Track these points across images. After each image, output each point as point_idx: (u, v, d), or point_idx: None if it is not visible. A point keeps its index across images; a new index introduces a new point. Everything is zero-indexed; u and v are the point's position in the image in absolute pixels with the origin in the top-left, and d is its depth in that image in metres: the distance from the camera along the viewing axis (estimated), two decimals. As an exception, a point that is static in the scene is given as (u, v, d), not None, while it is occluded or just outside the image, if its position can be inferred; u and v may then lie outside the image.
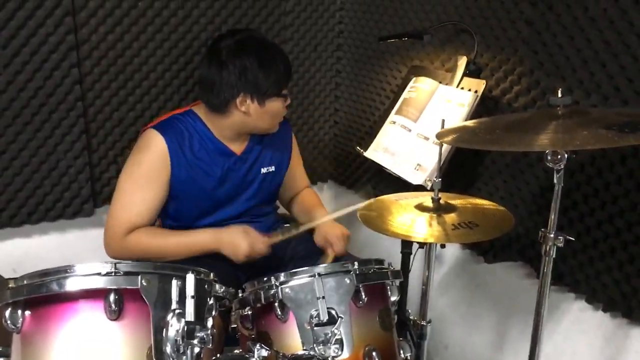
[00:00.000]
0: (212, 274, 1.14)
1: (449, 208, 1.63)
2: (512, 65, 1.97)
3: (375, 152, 2.23)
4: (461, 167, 2.10)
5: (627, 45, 1.62)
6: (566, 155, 1.28)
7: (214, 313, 1.09)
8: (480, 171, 2.11)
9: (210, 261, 1.89)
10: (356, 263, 1.20)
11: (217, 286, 1.12)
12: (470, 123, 1.54)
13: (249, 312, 1.23)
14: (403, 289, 2.17)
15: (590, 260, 1.79)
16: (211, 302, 1.08)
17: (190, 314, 0.98)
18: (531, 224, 1.96)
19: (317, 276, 1.15)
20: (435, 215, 1.59)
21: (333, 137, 2.84)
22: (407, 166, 2.06)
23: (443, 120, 1.60)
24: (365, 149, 2.30)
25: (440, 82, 2.13)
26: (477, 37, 2.03)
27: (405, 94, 2.24)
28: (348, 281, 1.16)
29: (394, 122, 2.21)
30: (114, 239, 1.82)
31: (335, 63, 2.74)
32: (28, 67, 2.06)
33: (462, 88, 2.04)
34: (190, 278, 1.01)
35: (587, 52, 1.73)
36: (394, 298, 1.30)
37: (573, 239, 1.37)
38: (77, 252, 2.36)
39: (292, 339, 1.16)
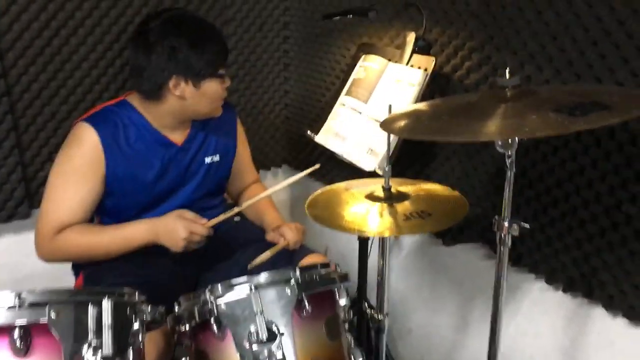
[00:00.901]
0: (137, 294, 1.03)
1: (401, 196, 1.55)
2: (462, 40, 1.88)
3: (326, 137, 2.13)
4: (413, 150, 2.02)
5: (578, 16, 1.55)
6: (517, 140, 1.20)
7: (140, 338, 0.98)
8: (433, 153, 2.04)
9: (151, 259, 1.79)
10: (297, 270, 1.10)
11: (144, 307, 1.01)
12: (418, 106, 1.45)
13: (186, 329, 1.13)
14: (362, 277, 2.12)
15: (549, 240, 1.73)
16: (136, 326, 0.97)
17: (108, 346, 0.88)
18: (488, 204, 1.89)
19: (253, 290, 1.05)
20: (386, 205, 1.51)
21: (285, 120, 2.73)
22: (358, 151, 1.97)
23: (390, 106, 1.51)
24: (316, 133, 2.20)
25: (389, 60, 2.03)
26: (425, 12, 1.93)
27: (354, 74, 2.14)
28: (289, 292, 1.07)
29: (344, 104, 2.11)
30: (43, 240, 1.71)
31: (282, 43, 2.61)
32: (-57, 63, 1.89)
33: (412, 66, 1.95)
34: (106, 305, 0.90)
35: (537, 24, 1.65)
36: (343, 302, 1.21)
37: (527, 226, 1.30)
38: (15, 257, 2.23)
39: (231, 358, 1.07)
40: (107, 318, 0.89)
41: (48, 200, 1.71)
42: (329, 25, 2.38)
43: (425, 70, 1.87)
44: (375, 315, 1.66)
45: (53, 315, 0.87)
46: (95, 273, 1.79)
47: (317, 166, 1.75)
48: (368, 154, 1.93)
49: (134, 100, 1.78)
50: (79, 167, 1.69)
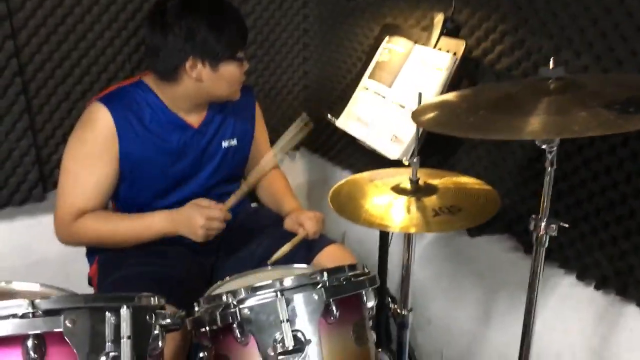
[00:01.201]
0: (156, 299, 0.97)
1: (429, 189, 1.48)
2: (493, 22, 1.78)
3: (347, 122, 2.06)
4: (437, 138, 1.93)
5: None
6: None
7: (160, 344, 0.93)
8: (459, 140, 1.96)
9: (167, 247, 1.74)
10: (325, 274, 1.04)
11: (164, 311, 0.96)
12: (450, 97, 1.37)
13: (207, 330, 1.08)
14: (382, 269, 2.06)
15: (582, 236, 1.66)
16: (156, 331, 0.92)
17: (126, 356, 0.82)
18: (517, 198, 1.82)
19: (279, 295, 0.99)
20: (413, 198, 1.44)
21: (303, 101, 2.65)
22: (382, 137, 1.89)
23: (420, 95, 1.43)
24: (337, 118, 2.12)
25: (415, 42, 1.94)
26: (455, -9, 1.84)
27: (378, 56, 2.05)
28: (317, 297, 1.01)
29: (367, 88, 2.03)
30: (62, 225, 1.67)
31: (302, 21, 2.52)
32: (-46, 41, 1.83)
33: (440, 49, 1.86)
34: (124, 313, 0.85)
35: (576, 7, 1.56)
36: (370, 304, 1.15)
37: (566, 226, 1.23)
38: (29, 241, 2.19)
39: (256, 367, 1.02)
40: (125, 327, 0.84)
41: (63, 185, 1.66)
42: (350, 4, 2.29)
43: (455, 54, 1.78)
44: (399, 311, 1.60)
45: (69, 323, 0.81)
46: (110, 260, 1.74)
47: (305, 119, 1.73)
48: (392, 141, 1.85)
49: (150, 80, 1.71)
50: (92, 150, 1.64)
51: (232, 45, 1.64)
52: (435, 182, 1.52)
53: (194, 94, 1.69)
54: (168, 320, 0.96)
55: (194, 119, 1.76)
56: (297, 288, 1.02)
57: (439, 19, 1.88)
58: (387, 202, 1.44)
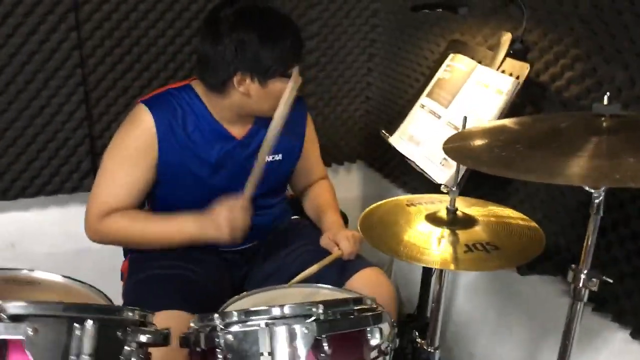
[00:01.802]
0: (136, 313, 0.92)
1: (467, 222, 1.36)
2: (565, 46, 1.63)
3: (400, 140, 1.96)
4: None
5: None
6: (608, 181, 0.98)
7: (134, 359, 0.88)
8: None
9: (199, 253, 1.71)
10: (321, 306, 0.95)
11: (144, 328, 0.90)
12: (496, 124, 1.25)
13: (194, 350, 1.02)
14: (422, 303, 1.95)
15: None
16: (129, 348, 0.87)
17: (86, 377, 0.78)
18: (573, 237, 1.65)
19: (262, 325, 0.92)
20: (447, 230, 1.33)
21: (364, 113, 2.57)
22: (432, 160, 1.78)
23: (465, 118, 1.32)
24: (391, 134, 2.03)
25: (479, 62, 1.82)
26: (526, 11, 1.70)
27: (439, 73, 1.95)
28: (306, 331, 0.93)
29: (423, 106, 1.92)
30: (91, 221, 1.66)
31: (369, 31, 2.44)
32: (21, 29, 1.89)
33: (504, 71, 1.73)
34: (90, 328, 0.80)
35: (658, 36, 1.39)
36: (374, 342, 1.06)
37: (610, 281, 1.08)
38: (78, 229, 2.23)
39: (233, 395, 0.95)
40: (87, 344, 0.80)
41: (98, 182, 1.66)
42: (419, 17, 2.18)
43: (518, 78, 1.65)
44: (425, 347, 1.49)
45: (30, 332, 0.78)
46: (140, 259, 1.73)
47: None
48: (442, 164, 1.74)
49: (198, 86, 1.68)
50: (131, 151, 1.62)
51: (284, 62, 1.57)
52: (476, 214, 1.41)
53: (240, 108, 1.64)
54: (149, 336, 0.91)
55: (238, 131, 1.71)
56: (286, 319, 0.95)
57: (505, 38, 1.76)
58: (419, 232, 1.34)
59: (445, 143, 1.17)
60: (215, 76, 1.58)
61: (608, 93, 1.03)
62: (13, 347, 0.79)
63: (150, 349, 1.33)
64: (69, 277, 1.35)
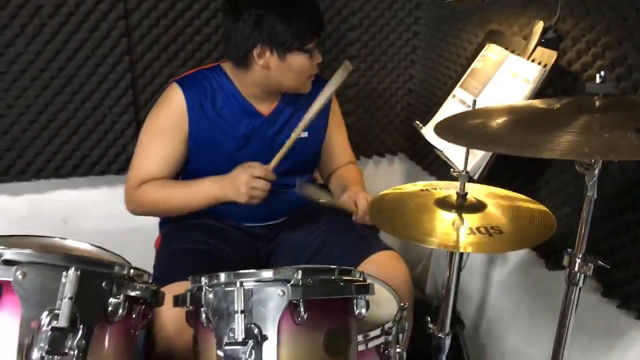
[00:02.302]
0: (126, 268, 0.98)
1: (475, 206, 1.35)
2: (596, 34, 1.59)
3: (431, 130, 1.95)
4: (521, 160, 1.79)
5: None
6: (601, 161, 0.96)
7: (120, 312, 0.94)
8: (540, 166, 1.78)
9: (227, 230, 1.79)
10: (300, 272, 0.99)
11: (135, 284, 0.97)
12: (498, 106, 1.24)
13: (190, 309, 1.08)
14: (448, 288, 1.93)
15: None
16: (114, 300, 0.94)
17: (63, 318, 0.85)
18: (601, 233, 1.60)
19: (238, 285, 0.96)
20: (455, 213, 1.33)
21: (406, 106, 2.57)
22: (458, 149, 1.77)
23: (474, 101, 1.32)
24: (425, 125, 2.02)
25: (512, 52, 1.79)
26: (560, -1, 1.67)
27: (474, 64, 1.93)
28: (281, 294, 0.96)
29: (455, 96, 1.92)
30: (128, 192, 1.79)
31: (413, 23, 2.44)
32: (73, 18, 2.01)
33: (534, 60, 1.70)
34: (72, 275, 0.87)
35: (688, 21, 1.34)
36: (359, 312, 1.08)
37: (608, 267, 1.05)
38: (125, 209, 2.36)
39: (211, 352, 0.99)
40: (69, 288, 0.87)
41: (135, 155, 1.78)
42: (459, 8, 2.17)
43: (545, 66, 1.62)
44: (436, 333, 1.49)
45: (19, 275, 0.86)
46: (171, 233, 1.83)
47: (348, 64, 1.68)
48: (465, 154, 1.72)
49: (227, 67, 1.77)
50: (163, 126, 1.73)
51: (300, 36, 1.63)
52: (488, 199, 1.39)
53: (263, 82, 1.71)
54: (137, 292, 0.97)
55: (265, 107, 1.78)
56: (266, 282, 0.98)
57: (537, 27, 1.72)
58: (426, 214, 1.35)
59: (439, 123, 1.17)
60: (237, 50, 1.66)
61: (602, 72, 1.00)
62: (6, 288, 0.87)
63: (163, 316, 1.42)
64: (98, 247, 1.44)
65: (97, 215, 2.38)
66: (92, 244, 1.44)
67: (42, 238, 1.41)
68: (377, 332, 1.30)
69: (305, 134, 1.83)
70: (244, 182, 1.62)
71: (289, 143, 1.68)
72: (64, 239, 1.43)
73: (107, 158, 2.22)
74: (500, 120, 1.05)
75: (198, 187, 1.72)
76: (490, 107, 1.27)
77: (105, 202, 2.35)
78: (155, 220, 1.97)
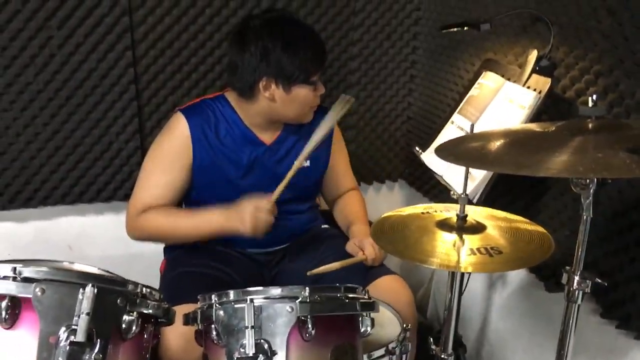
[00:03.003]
0: (141, 287, 1.02)
1: (475, 228, 1.39)
2: (589, 62, 1.65)
3: (430, 155, 2.00)
4: (521, 184, 1.83)
5: None
6: (595, 181, 1.01)
7: (134, 329, 0.97)
8: (541, 188, 1.82)
9: (231, 256, 1.82)
10: (307, 289, 1.02)
11: (144, 301, 1.00)
12: (495, 130, 1.29)
13: (199, 328, 1.11)
14: (450, 310, 1.95)
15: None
16: (128, 317, 0.97)
17: (81, 332, 0.88)
18: (599, 254, 1.64)
19: (248, 302, 1.00)
20: (456, 234, 1.37)
21: (405, 133, 2.62)
22: (456, 173, 1.82)
23: (472, 126, 1.37)
24: (424, 151, 2.08)
25: (508, 79, 1.85)
26: (553, 28, 1.73)
27: (472, 91, 1.99)
28: (290, 310, 1.00)
29: (453, 122, 1.97)
30: (129, 218, 1.81)
31: (410, 53, 2.51)
32: (82, 48, 2.07)
33: (529, 87, 1.76)
34: (89, 292, 0.91)
35: (676, 49, 1.40)
36: (364, 329, 1.11)
37: (605, 284, 1.09)
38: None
39: (222, 368, 1.02)
40: (86, 304, 0.90)
41: (139, 182, 1.81)
42: (456, 37, 2.24)
43: (540, 92, 1.68)
44: (439, 355, 1.52)
45: (38, 292, 0.89)
46: (177, 257, 1.86)
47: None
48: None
49: (231, 96, 1.82)
50: (167, 154, 1.77)
51: (305, 69, 1.69)
52: (487, 221, 1.43)
53: (267, 112, 1.76)
54: (150, 311, 1.00)
55: (267, 137, 1.82)
56: (275, 299, 1.02)
57: (532, 55, 1.79)
58: (427, 236, 1.39)
59: (439, 146, 1.22)
60: (243, 81, 1.71)
61: (594, 96, 1.05)
62: (25, 305, 0.90)
63: (169, 336, 1.44)
64: (105, 270, 1.47)
65: (102, 241, 2.41)
66: (99, 268, 1.47)
67: (50, 262, 1.44)
68: (382, 352, 1.33)
69: (307, 163, 1.87)
70: (248, 213, 1.65)
71: (290, 174, 1.71)
72: (72, 262, 1.46)
73: (113, 184, 2.26)
74: (498, 142, 1.09)
75: (203, 217, 1.75)
76: (487, 130, 1.32)
77: (111, 228, 2.39)
78: (160, 246, 2.00)
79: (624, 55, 1.53)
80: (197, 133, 1.75)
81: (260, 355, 0.97)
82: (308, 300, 1.01)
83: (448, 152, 1.12)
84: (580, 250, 1.11)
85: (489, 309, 2.24)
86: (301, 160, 1.73)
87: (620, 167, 0.83)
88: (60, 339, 0.89)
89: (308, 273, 1.60)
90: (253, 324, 0.98)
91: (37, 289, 0.89)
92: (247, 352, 0.97)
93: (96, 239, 2.41)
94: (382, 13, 2.40)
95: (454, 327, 1.50)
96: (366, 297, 1.14)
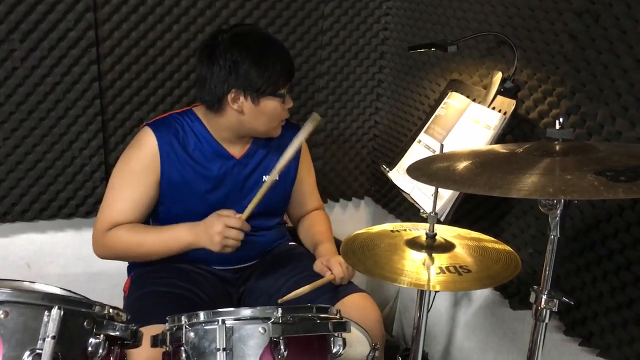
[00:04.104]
0: (108, 309, 0.99)
1: (445, 246, 1.41)
2: (551, 84, 1.70)
3: (398, 173, 2.02)
4: (486, 202, 1.86)
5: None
6: (562, 201, 1.03)
7: (100, 352, 0.95)
8: (506, 207, 1.85)
9: (198, 274, 1.79)
10: (280, 310, 1.01)
11: (116, 324, 0.97)
12: (464, 150, 1.31)
13: (168, 349, 1.08)
14: (418, 328, 1.96)
15: (625, 323, 1.49)
16: (94, 340, 0.94)
17: (46, 357, 0.85)
18: (562, 273, 1.68)
19: (219, 323, 0.98)
20: (425, 253, 1.38)
21: (372, 150, 2.65)
22: (424, 192, 1.84)
23: (442, 146, 1.38)
24: (391, 169, 2.09)
25: (473, 100, 1.89)
26: (517, 51, 1.78)
27: (438, 111, 2.02)
28: (263, 331, 0.99)
29: (420, 141, 1.99)
30: (97, 235, 1.77)
31: (377, 72, 2.54)
32: (46, 61, 2.03)
33: (494, 108, 1.80)
34: (55, 315, 0.88)
35: (635, 74, 1.44)
36: (335, 349, 1.10)
37: (572, 303, 1.11)
38: (91, 251, 2.32)
39: (193, 391, 1.00)
40: (51, 327, 0.87)
41: (106, 198, 1.77)
42: (422, 58, 2.28)
43: (505, 113, 1.71)
44: (407, 373, 1.52)
45: (1, 315, 0.86)
46: (141, 276, 1.82)
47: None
48: (432, 196, 1.79)
49: (199, 110, 1.81)
50: (135, 169, 1.74)
51: (273, 82, 1.69)
52: (456, 240, 1.45)
53: (236, 126, 1.75)
54: (117, 333, 0.98)
55: (237, 150, 1.82)
56: (246, 320, 1.01)
57: (496, 77, 1.82)
58: (396, 255, 1.39)
59: (410, 166, 1.23)
60: (211, 94, 1.70)
61: (561, 119, 1.08)
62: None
63: (135, 359, 1.41)
64: (67, 289, 1.43)
65: (63, 259, 2.36)
66: (61, 287, 1.43)
67: (9, 282, 1.40)
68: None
69: (276, 177, 1.87)
70: (217, 232, 1.63)
71: (260, 193, 1.68)
72: (33, 282, 1.42)
73: (75, 201, 2.21)
74: (466, 163, 1.11)
75: (171, 234, 1.72)
76: (455, 151, 1.34)
77: (72, 245, 2.33)
78: (123, 265, 1.96)
79: (586, 78, 1.58)
80: (165, 148, 1.73)
81: (232, 377, 0.96)
82: (280, 321, 1.00)
83: (420, 172, 1.13)
84: (548, 269, 1.13)
85: (454, 327, 2.26)
86: (270, 181, 1.71)
87: (588, 189, 0.86)
88: (24, 365, 0.86)
89: (279, 300, 1.58)
90: (225, 346, 0.97)
91: (1, 312, 0.86)
92: (218, 374, 0.95)
93: (56, 256, 2.35)
94: (350, 32, 2.43)
95: (422, 346, 1.51)
96: (338, 316, 1.14)
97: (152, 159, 1.73)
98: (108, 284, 2.27)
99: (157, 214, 1.82)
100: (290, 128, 1.84)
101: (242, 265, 1.88)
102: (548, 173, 0.95)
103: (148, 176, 1.74)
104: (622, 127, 1.48)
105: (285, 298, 1.59)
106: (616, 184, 0.85)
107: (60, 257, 2.35)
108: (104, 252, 1.77)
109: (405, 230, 1.55)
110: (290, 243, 2.01)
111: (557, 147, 1.04)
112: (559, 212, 1.05)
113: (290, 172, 1.92)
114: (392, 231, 1.54)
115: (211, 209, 1.79)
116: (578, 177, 0.89)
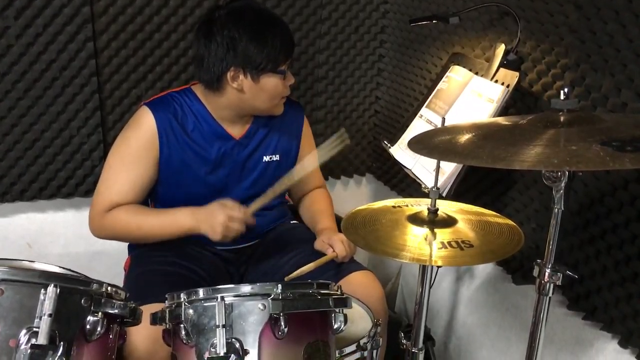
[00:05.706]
0: (106, 286, 0.98)
1: (446, 222, 1.39)
2: (555, 56, 1.66)
3: (399, 149, 2.00)
4: (488, 177, 1.84)
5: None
6: (567, 174, 1.01)
7: (99, 329, 0.94)
8: (509, 182, 1.83)
9: (198, 253, 1.78)
10: (280, 286, 1.00)
11: (114, 302, 0.96)
12: (467, 123, 1.29)
13: (167, 327, 1.08)
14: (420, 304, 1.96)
15: (628, 297, 1.48)
16: (92, 318, 0.93)
17: (43, 335, 0.84)
18: (566, 247, 1.66)
19: (219, 300, 0.97)
20: (427, 228, 1.37)
21: (373, 127, 2.62)
22: (426, 167, 1.81)
23: (444, 119, 1.36)
24: (393, 145, 2.07)
25: (476, 73, 1.86)
26: (520, 23, 1.74)
27: (440, 85, 1.99)
28: (262, 308, 0.97)
29: (422, 116, 1.97)
30: (95, 216, 1.74)
31: (378, 47, 2.50)
32: (41, 39, 2.00)
33: (497, 81, 1.76)
34: (51, 292, 0.87)
35: (641, 44, 1.41)
36: (336, 325, 1.09)
37: (575, 277, 1.10)
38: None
39: (192, 368, 1.00)
40: (48, 305, 0.86)
41: (103, 179, 1.75)
42: (423, 32, 2.24)
43: (508, 86, 1.68)
44: (410, 349, 1.51)
45: (-4, 291, 0.85)
46: (141, 255, 1.81)
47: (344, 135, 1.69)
48: (435, 170, 1.77)
49: (198, 89, 1.78)
50: (133, 149, 1.71)
51: (273, 58, 1.66)
52: (458, 215, 1.43)
53: (236, 105, 1.72)
54: (116, 311, 0.96)
55: (237, 131, 1.79)
56: (246, 296, 0.99)
57: (499, 50, 1.79)
58: (398, 230, 1.38)
59: (412, 139, 1.21)
60: (210, 73, 1.67)
61: (566, 89, 1.05)
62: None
63: (134, 337, 1.40)
64: (66, 269, 1.42)
65: (63, 239, 2.35)
66: (60, 266, 1.42)
67: (9, 261, 1.39)
68: (353, 347, 1.32)
69: (277, 157, 1.85)
70: (220, 223, 1.60)
71: (273, 191, 1.68)
72: (32, 261, 1.41)
73: (74, 180, 2.19)
74: (469, 135, 1.09)
75: (172, 218, 1.70)
76: (458, 124, 1.31)
77: (72, 224, 2.32)
78: (123, 244, 1.95)
79: (591, 49, 1.54)
80: (164, 127, 1.70)
81: (232, 354, 0.94)
82: (280, 297, 0.99)
83: (421, 145, 1.11)
84: (551, 242, 1.11)
85: (457, 303, 2.25)
86: (283, 184, 1.71)
87: (594, 160, 0.83)
88: (21, 342, 0.85)
89: (285, 278, 1.57)
90: (224, 323, 0.95)
91: (-4, 290, 0.85)
92: (217, 351, 0.94)
93: (56, 236, 2.34)
94: (349, 6, 2.38)
95: (424, 321, 1.50)
96: (339, 292, 1.13)
97: (151, 139, 1.70)
98: (109, 263, 2.26)
99: (156, 194, 1.80)
100: (292, 105, 1.81)
101: (243, 245, 1.87)
102: (552, 144, 0.93)
103: (147, 157, 1.71)
104: (627, 99, 1.45)
105: (291, 276, 1.57)
106: (622, 154, 0.83)
107: (61, 237, 2.34)
108: (102, 233, 1.76)
109: (407, 205, 1.53)
110: (291, 222, 1.99)
111: (562, 118, 1.02)
112: (563, 184, 1.03)
113: (292, 153, 1.90)
114: (393, 207, 1.52)
115: (210, 190, 1.78)
116: (583, 148, 0.87)
